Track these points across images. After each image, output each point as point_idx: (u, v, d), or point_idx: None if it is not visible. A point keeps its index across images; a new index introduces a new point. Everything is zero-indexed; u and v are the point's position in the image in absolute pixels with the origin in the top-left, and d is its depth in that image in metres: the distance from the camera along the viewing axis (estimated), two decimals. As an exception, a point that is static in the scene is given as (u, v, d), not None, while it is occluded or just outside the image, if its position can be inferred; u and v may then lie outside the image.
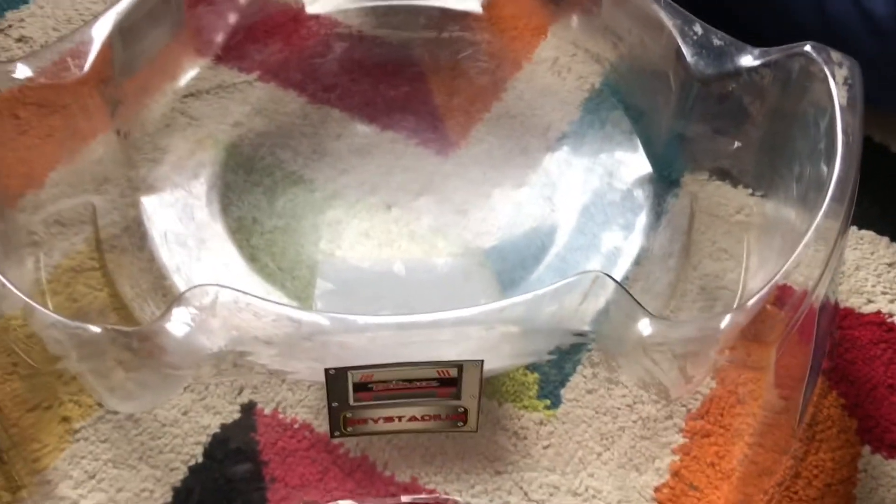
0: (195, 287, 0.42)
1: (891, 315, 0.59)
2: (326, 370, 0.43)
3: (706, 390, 0.54)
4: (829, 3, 0.62)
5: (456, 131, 0.65)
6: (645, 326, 0.43)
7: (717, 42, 0.57)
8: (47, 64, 0.54)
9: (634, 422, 0.54)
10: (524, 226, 0.60)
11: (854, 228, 0.62)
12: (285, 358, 0.45)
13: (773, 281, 0.43)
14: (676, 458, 0.53)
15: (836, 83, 0.50)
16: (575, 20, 0.68)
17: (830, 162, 0.48)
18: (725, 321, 0.42)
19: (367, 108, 0.66)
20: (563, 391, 0.54)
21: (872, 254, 0.61)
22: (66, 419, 0.52)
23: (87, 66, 0.54)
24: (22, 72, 0.53)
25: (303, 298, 0.56)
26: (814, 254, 0.45)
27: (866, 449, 0.54)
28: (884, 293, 0.60)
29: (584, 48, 0.69)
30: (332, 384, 0.44)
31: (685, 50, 0.57)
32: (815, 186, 0.50)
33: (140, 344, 0.41)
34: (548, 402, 0.54)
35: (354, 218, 0.61)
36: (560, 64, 0.69)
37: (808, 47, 0.53)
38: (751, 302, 0.42)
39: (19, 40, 0.71)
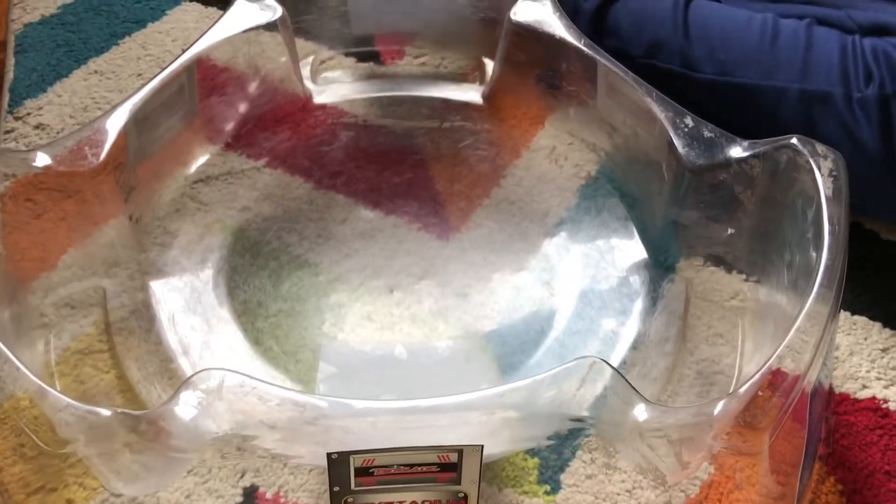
0: (202, 371, 0.43)
1: (886, 401, 0.59)
2: (329, 454, 0.43)
3: (704, 476, 0.55)
4: (821, 128, 0.64)
5: (457, 216, 0.67)
6: (641, 412, 0.44)
7: (707, 134, 0.59)
8: (65, 152, 0.56)
9: (634, 507, 0.54)
10: (523, 310, 0.62)
11: (847, 314, 0.64)
12: (288, 442, 0.46)
13: (766, 367, 0.44)
14: (676, 543, 0.53)
15: (822, 174, 0.52)
16: (571, 111, 0.71)
17: (818, 250, 0.50)
18: (719, 407, 0.43)
19: (371, 194, 0.68)
20: (562, 476, 0.55)
21: (866, 339, 0.63)
22: (69, 502, 0.52)
23: (103, 155, 0.57)
24: (41, 160, 0.55)
25: (306, 381, 0.57)
26: (804, 339, 0.46)
27: (866, 535, 0.54)
28: (878, 378, 0.60)
29: (581, 138, 0.71)
30: (333, 468, 0.44)
31: (677, 141, 0.59)
32: (805, 273, 0.52)
33: (148, 426, 0.41)
34: (548, 487, 0.54)
35: (357, 301, 0.62)
36: (557, 152, 0.71)
37: (794, 140, 0.55)
38: (743, 388, 0.43)
39: (37, 127, 0.73)
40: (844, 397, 0.59)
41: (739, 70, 0.65)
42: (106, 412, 0.41)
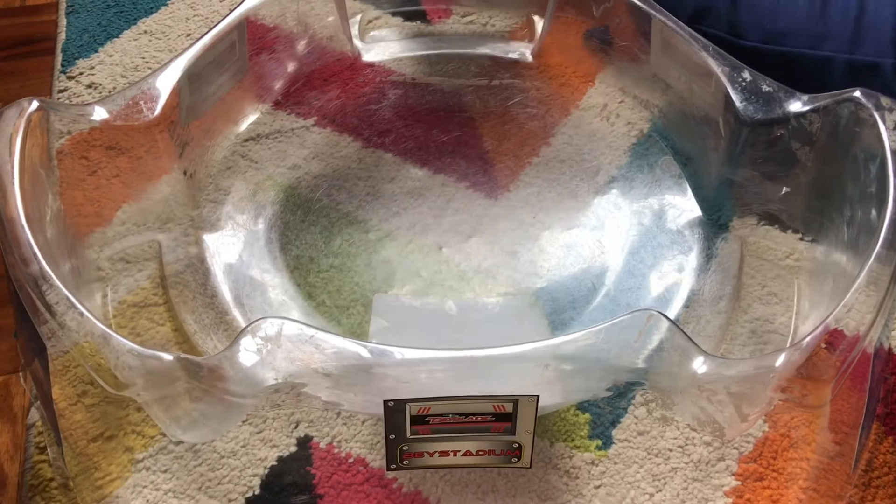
0: (261, 319, 0.43)
1: (945, 361, 0.58)
2: (385, 402, 0.44)
3: (759, 433, 0.54)
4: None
5: (505, 175, 0.67)
6: (700, 365, 0.44)
7: (765, 88, 0.58)
8: (121, 107, 0.57)
9: (686, 463, 0.54)
10: (574, 267, 0.61)
11: (905, 274, 0.62)
12: (344, 390, 0.46)
13: (826, 321, 0.44)
14: (729, 500, 0.52)
15: (887, 128, 0.51)
16: (623, 68, 0.70)
17: (882, 206, 0.49)
18: (781, 359, 0.42)
19: (419, 153, 0.68)
20: (614, 432, 0.55)
21: (925, 299, 0.61)
22: (128, 449, 0.53)
23: (158, 109, 0.57)
24: (98, 114, 0.56)
25: (358, 335, 0.58)
26: (865, 298, 0.45)
27: (924, 496, 0.53)
28: (938, 339, 0.59)
29: (633, 94, 0.70)
30: (390, 416, 0.44)
31: (734, 96, 0.58)
32: (866, 230, 0.51)
33: (209, 372, 0.42)
34: (599, 442, 0.54)
35: (407, 258, 0.62)
36: (608, 110, 0.70)
37: (857, 93, 0.54)
38: (806, 340, 0.43)
39: (89, 86, 0.74)
40: (903, 357, 0.58)
41: (786, 39, 0.63)
42: (168, 356, 0.42)
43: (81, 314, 0.43)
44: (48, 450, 0.53)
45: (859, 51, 0.60)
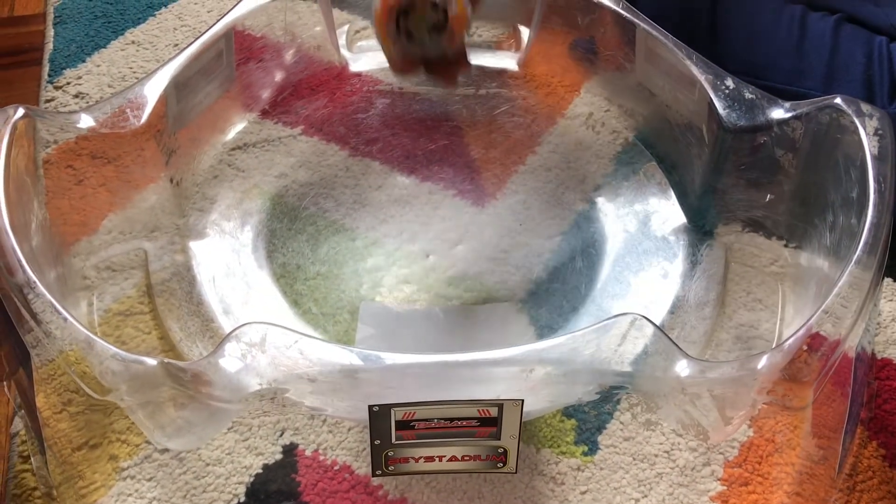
0: (246, 324, 0.43)
1: (929, 366, 0.58)
2: (370, 407, 0.44)
3: (744, 438, 0.54)
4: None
5: (492, 183, 0.67)
6: (683, 368, 0.44)
7: (748, 95, 0.58)
8: (108, 115, 0.57)
9: (672, 469, 0.54)
10: (560, 274, 0.62)
11: (889, 280, 0.63)
12: (328, 395, 0.46)
13: (808, 324, 0.44)
14: (715, 505, 0.53)
15: (867, 134, 0.51)
16: (608, 77, 0.70)
17: (862, 211, 0.49)
18: (763, 361, 0.42)
19: (406, 161, 0.68)
20: (600, 437, 0.55)
21: (908, 305, 0.62)
22: (113, 458, 0.53)
23: (144, 117, 0.57)
24: (85, 121, 0.56)
25: (344, 342, 0.58)
26: (846, 302, 0.46)
27: (908, 500, 0.53)
28: (921, 344, 0.60)
29: (618, 104, 0.71)
30: (375, 421, 0.44)
31: (717, 103, 0.58)
32: (848, 235, 0.51)
33: (192, 378, 0.42)
34: (585, 447, 0.54)
35: (394, 265, 0.62)
36: (594, 119, 0.71)
37: (838, 100, 0.54)
38: (788, 343, 0.43)
39: (76, 96, 0.74)
40: (887, 362, 0.58)
41: (765, 72, 0.63)
42: (152, 361, 0.42)
43: (66, 320, 0.43)
44: (32, 459, 0.53)
45: (833, 90, 0.59)
